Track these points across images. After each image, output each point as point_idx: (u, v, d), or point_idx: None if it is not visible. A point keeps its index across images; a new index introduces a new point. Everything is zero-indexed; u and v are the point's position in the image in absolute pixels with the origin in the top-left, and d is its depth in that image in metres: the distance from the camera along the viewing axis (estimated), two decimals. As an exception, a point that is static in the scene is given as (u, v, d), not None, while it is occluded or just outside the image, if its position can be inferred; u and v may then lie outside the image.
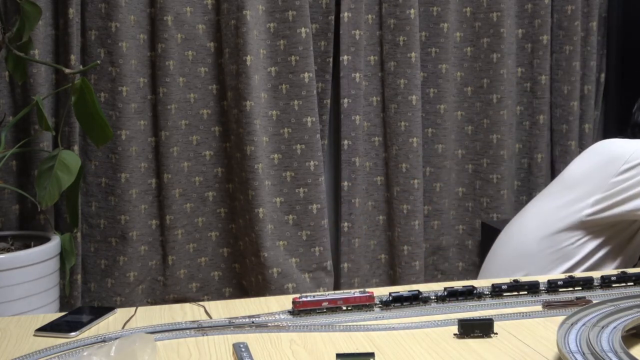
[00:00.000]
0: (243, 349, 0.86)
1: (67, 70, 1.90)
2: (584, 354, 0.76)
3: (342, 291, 1.05)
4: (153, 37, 2.20)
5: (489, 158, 2.49)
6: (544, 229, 1.64)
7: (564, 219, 1.61)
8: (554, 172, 2.56)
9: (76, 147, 2.10)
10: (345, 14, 2.30)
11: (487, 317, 0.94)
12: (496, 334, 0.92)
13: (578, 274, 1.17)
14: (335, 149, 2.44)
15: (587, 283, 1.11)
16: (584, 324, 0.85)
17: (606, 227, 1.59)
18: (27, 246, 1.88)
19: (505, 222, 1.87)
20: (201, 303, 1.07)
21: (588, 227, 1.59)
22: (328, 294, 1.02)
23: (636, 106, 1.80)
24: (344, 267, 2.39)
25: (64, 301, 2.08)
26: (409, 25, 2.33)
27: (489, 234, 2.28)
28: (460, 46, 2.47)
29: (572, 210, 1.60)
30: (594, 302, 0.93)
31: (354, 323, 0.98)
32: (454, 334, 0.93)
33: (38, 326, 0.97)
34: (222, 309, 1.05)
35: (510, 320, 0.99)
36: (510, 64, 2.47)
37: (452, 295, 1.06)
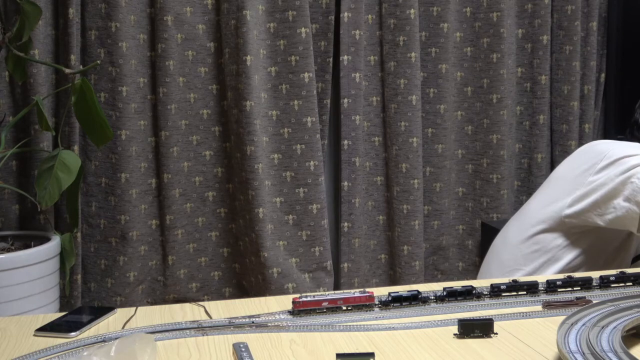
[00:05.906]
0: (243, 349, 0.86)
1: (67, 70, 1.90)
2: (584, 354, 0.76)
3: (342, 291, 1.05)
4: (153, 37, 2.20)
5: (489, 158, 2.49)
6: (531, 229, 1.64)
7: (548, 219, 1.60)
8: (553, 172, 2.56)
9: (76, 147, 2.10)
10: (345, 14, 2.30)
11: (487, 317, 0.94)
12: (496, 334, 0.92)
13: (577, 274, 1.17)
14: (335, 149, 2.43)
15: (586, 283, 1.11)
16: (584, 324, 0.85)
17: (587, 231, 1.57)
18: (27, 246, 1.88)
19: (505, 222, 1.87)
20: (201, 303, 1.07)
21: (569, 227, 1.57)
22: (328, 294, 1.02)
23: (638, 105, 1.80)
24: (344, 267, 2.39)
25: (64, 301, 2.08)
26: (409, 25, 2.33)
27: (489, 234, 2.28)
28: (460, 46, 2.47)
29: (555, 209, 1.59)
30: (594, 302, 0.93)
31: (354, 323, 0.98)
32: (454, 334, 0.93)
33: (38, 326, 0.97)
34: (222, 309, 1.05)
35: (510, 320, 0.99)
36: (510, 64, 2.47)
37: (452, 295, 1.06)
